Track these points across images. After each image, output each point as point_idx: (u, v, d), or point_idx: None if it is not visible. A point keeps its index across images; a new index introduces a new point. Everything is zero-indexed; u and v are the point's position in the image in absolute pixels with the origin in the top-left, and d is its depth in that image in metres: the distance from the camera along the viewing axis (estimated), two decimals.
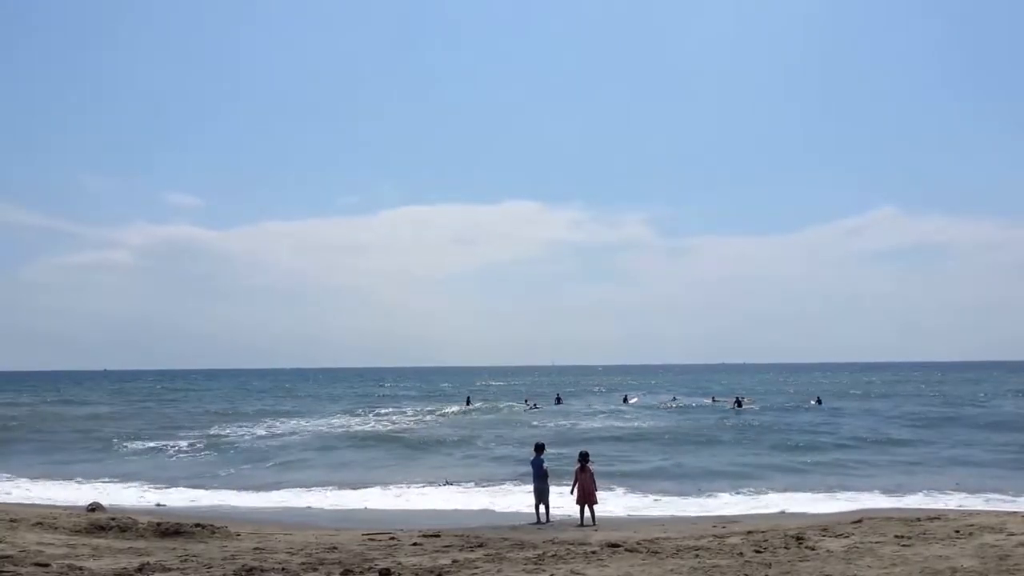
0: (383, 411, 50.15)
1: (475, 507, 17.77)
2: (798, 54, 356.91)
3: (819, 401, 59.78)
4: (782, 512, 16.61)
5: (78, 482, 21.55)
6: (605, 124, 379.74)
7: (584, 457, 14.62)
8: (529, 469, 15.65)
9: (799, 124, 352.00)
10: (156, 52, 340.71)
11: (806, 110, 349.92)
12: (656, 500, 18.31)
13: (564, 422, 39.93)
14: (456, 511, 17.16)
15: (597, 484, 14.68)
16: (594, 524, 14.04)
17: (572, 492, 14.51)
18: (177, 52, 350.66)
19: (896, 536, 10.26)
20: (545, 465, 15.00)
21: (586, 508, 14.29)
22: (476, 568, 8.99)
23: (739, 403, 50.43)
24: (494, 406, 51.33)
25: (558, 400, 61.48)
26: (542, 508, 14.85)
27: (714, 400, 57.59)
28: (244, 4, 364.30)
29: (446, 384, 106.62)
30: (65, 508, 15.67)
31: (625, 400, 64.53)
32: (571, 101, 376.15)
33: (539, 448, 15.41)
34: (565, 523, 14.35)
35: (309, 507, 17.81)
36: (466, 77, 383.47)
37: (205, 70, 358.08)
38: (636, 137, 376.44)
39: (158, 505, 17.79)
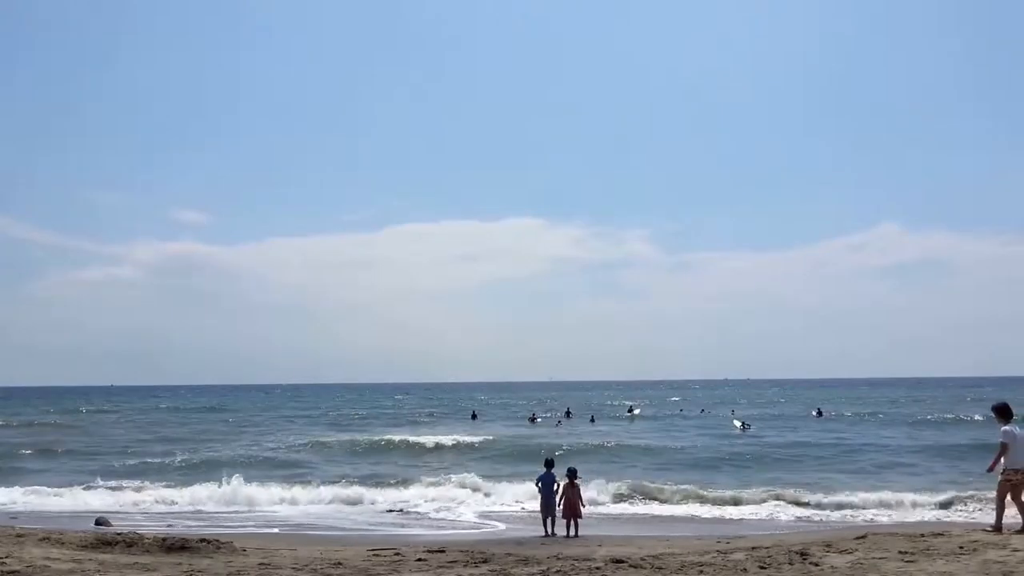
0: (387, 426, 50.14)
1: (481, 522, 17.92)
2: (800, 70, 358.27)
3: (819, 413, 59.73)
4: (789, 520, 16.70)
5: None
6: (608, 140, 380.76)
7: (572, 473, 15.30)
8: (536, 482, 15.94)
9: (801, 140, 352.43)
10: (161, 68, 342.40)
11: (809, 126, 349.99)
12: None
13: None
14: (461, 525, 17.28)
15: (583, 499, 15.45)
16: (577, 536, 14.79)
17: (558, 506, 15.14)
18: (183, 68, 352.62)
19: (900, 552, 10.26)
20: (548, 482, 15.30)
21: (571, 521, 15.02)
22: None
23: (745, 426, 48.04)
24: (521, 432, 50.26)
25: (567, 414, 61.46)
26: (549, 522, 15.21)
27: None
28: (250, 20, 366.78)
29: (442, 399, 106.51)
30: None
31: (630, 411, 64.66)
32: (574, 117, 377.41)
33: (549, 463, 15.86)
34: (563, 538, 14.77)
35: None
36: (470, 92, 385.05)
37: (211, 86, 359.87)
38: (639, 153, 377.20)
39: None
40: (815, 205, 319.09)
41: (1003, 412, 12.11)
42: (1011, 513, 11.97)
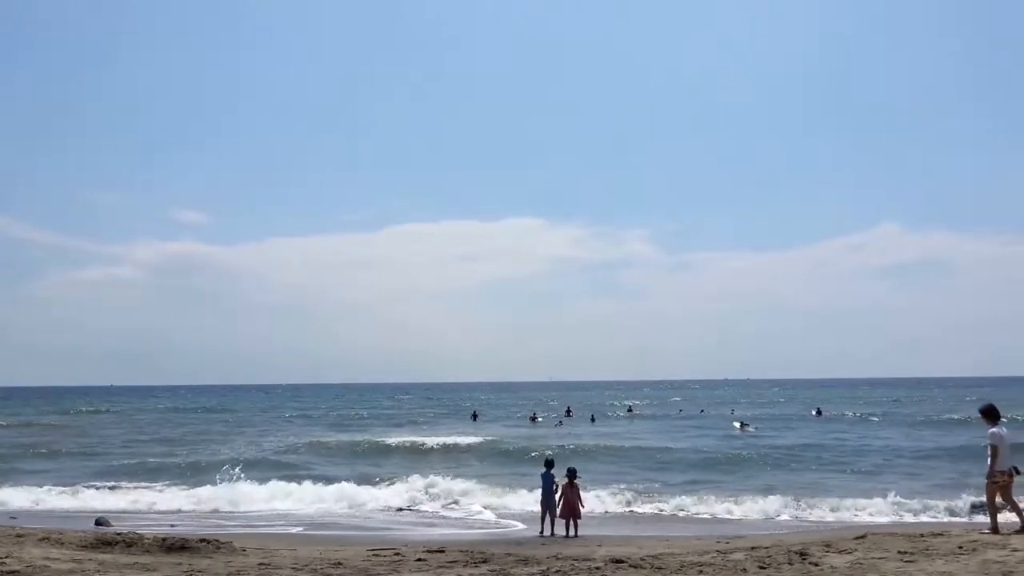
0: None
1: (480, 522, 17.94)
2: (800, 70, 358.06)
3: (819, 412, 59.98)
4: (788, 520, 16.72)
5: None
6: (608, 140, 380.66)
7: (572, 473, 15.29)
8: (538, 483, 16.07)
9: (801, 140, 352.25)
10: (161, 68, 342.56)
11: (807, 128, 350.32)
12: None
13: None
14: (461, 525, 17.30)
15: (582, 499, 15.44)
16: (576, 536, 14.75)
17: (557, 505, 15.14)
18: (183, 68, 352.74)
19: (899, 552, 10.27)
20: (548, 482, 15.36)
21: (570, 521, 15.00)
22: None
23: (744, 426, 47.94)
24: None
25: (568, 413, 61.87)
26: (547, 521, 15.30)
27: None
28: (250, 20, 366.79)
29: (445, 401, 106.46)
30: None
31: (629, 410, 64.92)
32: (574, 117, 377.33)
33: (549, 464, 15.98)
34: (562, 538, 14.80)
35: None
36: (470, 92, 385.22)
37: (211, 86, 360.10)
38: (639, 153, 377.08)
39: None
40: (815, 205, 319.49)
41: (990, 414, 12.09)
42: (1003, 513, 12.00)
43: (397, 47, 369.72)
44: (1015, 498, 11.87)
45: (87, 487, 22.90)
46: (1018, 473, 11.80)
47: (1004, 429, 11.92)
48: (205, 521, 18.24)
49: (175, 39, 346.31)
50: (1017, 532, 11.51)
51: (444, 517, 18.99)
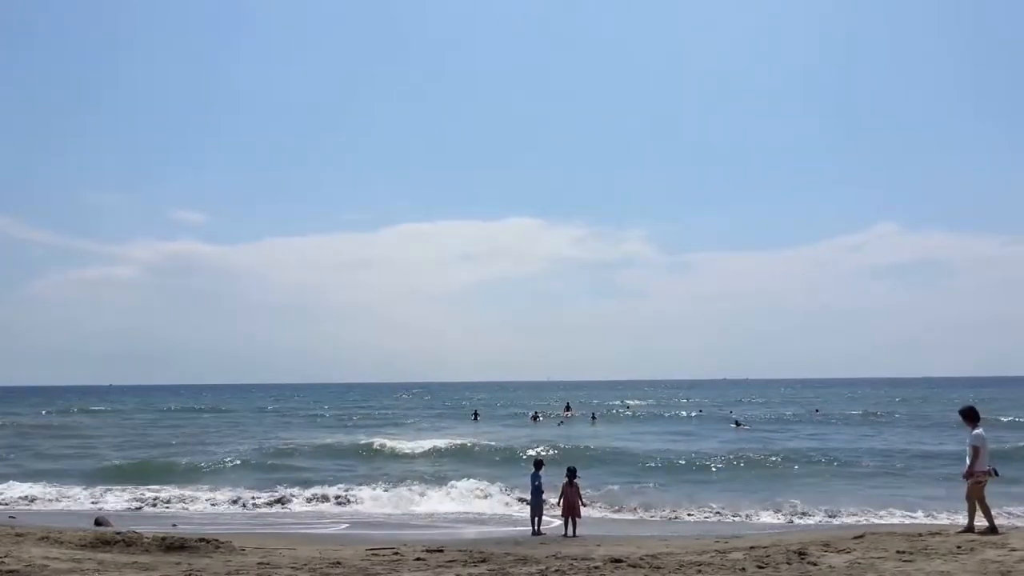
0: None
1: (478, 519, 17.95)
2: (800, 70, 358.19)
3: (817, 412, 60.52)
4: (787, 519, 16.75)
5: None
6: (607, 140, 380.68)
7: (572, 472, 15.47)
8: (528, 483, 16.24)
9: (799, 141, 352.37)
10: (161, 69, 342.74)
11: (806, 128, 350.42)
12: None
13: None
14: (459, 524, 17.31)
15: (582, 498, 15.56)
16: (575, 535, 14.76)
17: (558, 504, 15.31)
18: (182, 69, 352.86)
19: (898, 552, 10.27)
20: (537, 482, 15.57)
21: (570, 520, 15.10)
22: None
23: (740, 425, 47.90)
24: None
25: (568, 408, 62.43)
26: (537, 522, 15.56)
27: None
28: (249, 22, 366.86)
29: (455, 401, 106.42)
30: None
31: (627, 409, 65.24)
32: (573, 118, 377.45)
33: (538, 464, 16.16)
34: (561, 537, 14.79)
35: None
36: (470, 92, 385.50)
37: (210, 87, 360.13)
38: (638, 153, 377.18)
39: None
40: (815, 205, 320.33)
41: (971, 416, 12.19)
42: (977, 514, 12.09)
43: (397, 47, 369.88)
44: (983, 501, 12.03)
45: (86, 487, 22.90)
46: (996, 474, 11.89)
47: (982, 430, 12.07)
48: (205, 520, 18.22)
49: (175, 40, 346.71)
50: (961, 532, 11.87)
51: (462, 516, 18.96)
